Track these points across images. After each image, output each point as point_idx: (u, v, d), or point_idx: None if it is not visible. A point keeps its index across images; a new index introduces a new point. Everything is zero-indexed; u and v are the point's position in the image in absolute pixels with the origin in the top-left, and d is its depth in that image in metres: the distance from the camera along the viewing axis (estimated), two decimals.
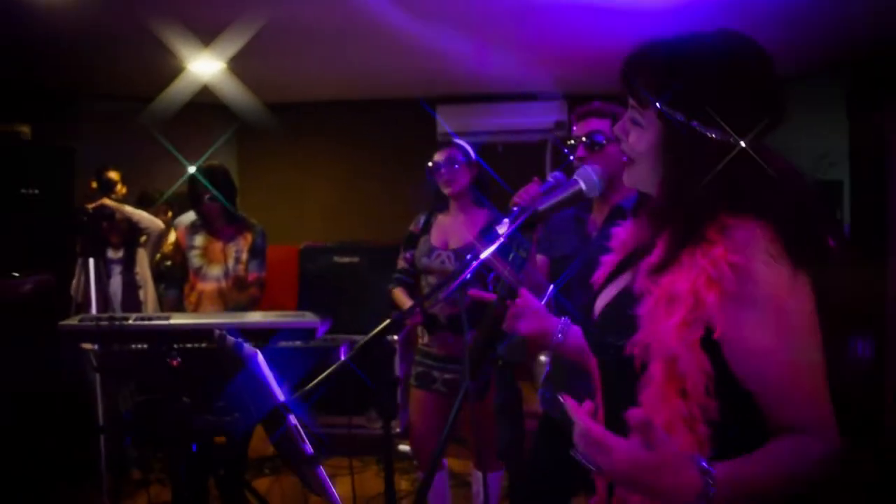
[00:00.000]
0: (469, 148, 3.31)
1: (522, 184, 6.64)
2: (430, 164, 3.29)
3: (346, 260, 5.01)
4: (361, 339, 4.35)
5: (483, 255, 1.37)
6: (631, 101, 1.29)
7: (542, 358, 6.09)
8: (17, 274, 3.06)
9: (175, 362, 0.89)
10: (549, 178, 2.32)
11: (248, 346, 0.92)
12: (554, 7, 4.14)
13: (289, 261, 5.38)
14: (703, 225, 1.17)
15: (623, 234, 1.44)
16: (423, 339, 3.40)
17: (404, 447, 4.85)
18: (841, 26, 4.26)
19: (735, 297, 1.11)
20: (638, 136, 1.28)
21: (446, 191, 3.26)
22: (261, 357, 0.92)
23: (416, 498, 1.19)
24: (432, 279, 3.31)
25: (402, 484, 4.37)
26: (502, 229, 1.30)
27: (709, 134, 1.19)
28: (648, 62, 1.26)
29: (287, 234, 6.41)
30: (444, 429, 3.33)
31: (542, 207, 1.33)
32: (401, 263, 3.49)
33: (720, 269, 1.12)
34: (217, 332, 1.02)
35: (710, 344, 1.13)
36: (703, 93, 1.20)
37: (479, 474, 3.41)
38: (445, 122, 6.35)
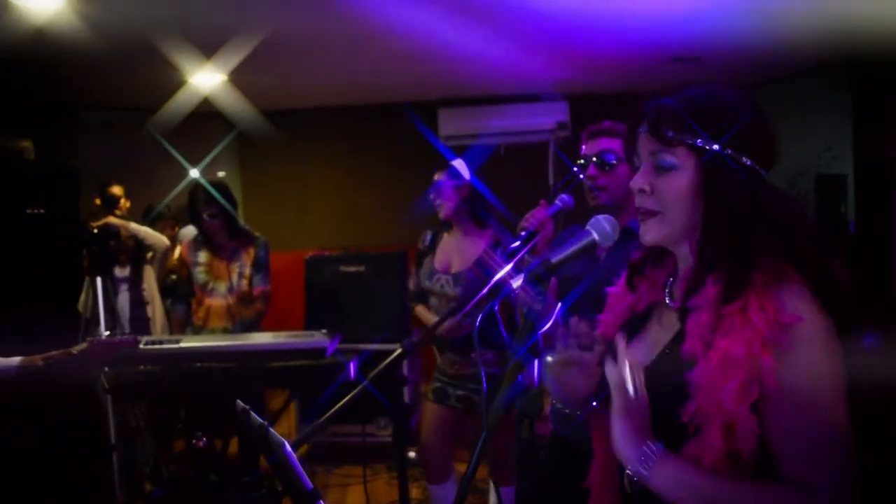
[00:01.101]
0: (463, 169, 3.30)
1: (525, 185, 6.66)
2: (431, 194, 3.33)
3: (351, 269, 5.00)
4: (369, 349, 4.39)
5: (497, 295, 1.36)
6: (651, 147, 1.26)
7: (550, 359, 6.12)
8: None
9: (200, 443, 0.89)
10: (557, 202, 2.33)
11: (274, 434, 0.92)
12: (556, 8, 4.13)
13: (294, 268, 5.38)
14: (754, 271, 1.17)
15: (636, 280, 1.42)
16: (438, 358, 3.45)
17: (413, 454, 4.87)
18: (846, 21, 4.24)
19: (785, 357, 1.12)
20: (671, 180, 1.24)
21: (441, 213, 3.30)
22: (288, 447, 0.91)
23: None
24: (434, 300, 3.33)
25: (413, 492, 4.39)
26: (517, 283, 1.30)
27: (745, 161, 1.21)
28: (667, 105, 1.26)
29: (291, 240, 6.44)
30: (452, 442, 3.37)
31: (554, 260, 1.32)
32: (412, 284, 3.51)
33: (774, 331, 1.12)
34: (240, 406, 1.02)
35: (757, 404, 1.13)
36: (730, 122, 1.22)
37: (493, 486, 3.43)
38: (447, 125, 6.34)
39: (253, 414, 0.99)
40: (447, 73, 5.62)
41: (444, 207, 3.26)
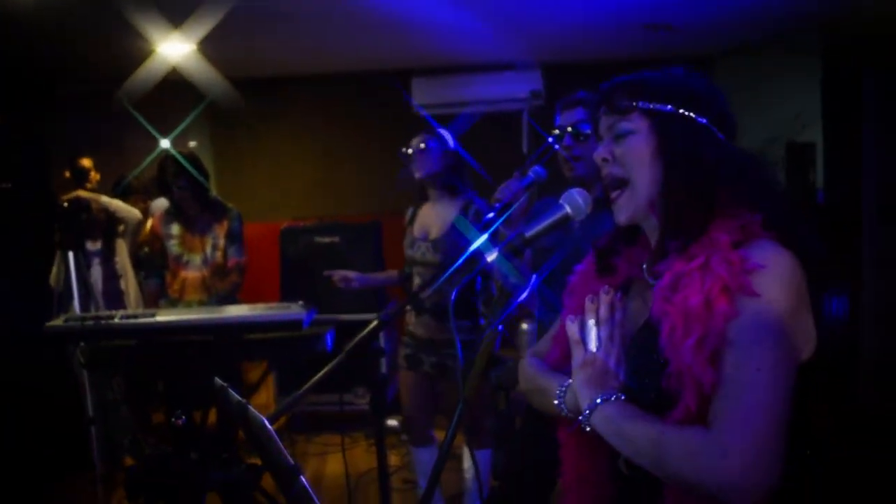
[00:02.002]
0: (449, 136, 3.30)
1: (499, 153, 6.65)
2: (404, 149, 3.29)
3: (326, 240, 5.01)
4: (344, 319, 4.40)
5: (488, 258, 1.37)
6: (609, 121, 1.31)
7: (525, 326, 6.17)
8: None
9: (180, 421, 0.89)
10: (530, 173, 2.34)
11: (253, 412, 0.93)
12: None
13: (268, 238, 5.37)
14: (714, 226, 1.18)
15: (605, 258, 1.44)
16: (411, 320, 3.46)
17: (392, 422, 4.92)
18: None
19: (742, 303, 1.11)
20: (629, 145, 1.27)
21: (417, 175, 3.26)
22: (268, 424, 0.93)
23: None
24: (419, 269, 3.34)
25: (392, 459, 4.44)
26: (492, 257, 1.32)
27: (699, 121, 1.24)
28: (620, 81, 1.31)
29: (265, 211, 6.40)
30: (432, 409, 3.41)
31: (528, 234, 1.34)
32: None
33: (738, 278, 1.11)
34: (218, 384, 1.03)
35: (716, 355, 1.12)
36: (681, 88, 1.26)
37: (468, 450, 3.49)
38: (421, 94, 6.29)
39: (231, 391, 1.01)
40: (420, 42, 5.58)
41: (425, 167, 3.23)
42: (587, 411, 1.21)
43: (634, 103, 1.26)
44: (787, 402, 1.09)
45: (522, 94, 6.23)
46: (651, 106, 1.25)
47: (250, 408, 0.96)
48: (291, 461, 0.92)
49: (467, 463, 3.53)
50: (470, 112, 6.27)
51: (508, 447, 1.16)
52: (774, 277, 1.12)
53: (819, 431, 1.27)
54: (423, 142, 3.25)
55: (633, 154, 1.27)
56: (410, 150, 3.26)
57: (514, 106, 6.39)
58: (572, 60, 6.33)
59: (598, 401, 1.20)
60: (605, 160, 1.32)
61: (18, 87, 5.53)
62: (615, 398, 1.20)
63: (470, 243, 1.73)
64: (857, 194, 5.02)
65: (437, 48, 5.80)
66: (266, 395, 5.12)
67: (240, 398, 1.01)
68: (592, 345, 1.25)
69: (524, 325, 6.16)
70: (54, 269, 4.08)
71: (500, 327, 1.31)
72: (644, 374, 1.22)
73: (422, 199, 3.40)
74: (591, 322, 1.25)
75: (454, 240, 3.20)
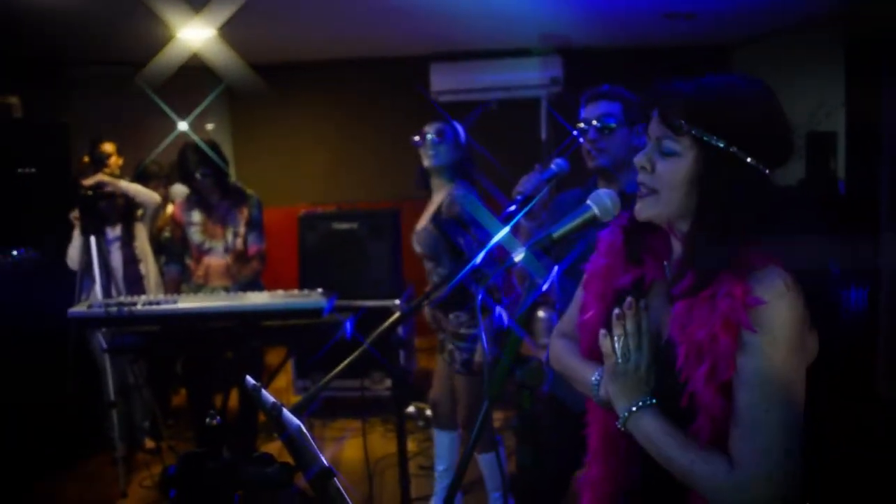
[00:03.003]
0: (461, 130, 3.29)
1: (518, 140, 6.61)
2: (417, 136, 3.27)
3: (344, 227, 5.02)
4: (363, 305, 4.42)
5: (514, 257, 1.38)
6: (658, 132, 1.28)
7: (541, 314, 6.18)
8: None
9: (214, 422, 0.91)
10: (552, 166, 2.34)
11: (288, 415, 0.94)
12: None
13: (286, 223, 5.39)
14: (735, 259, 1.21)
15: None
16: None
17: (409, 408, 4.95)
18: None
19: (745, 338, 1.17)
20: (671, 166, 1.26)
21: (426, 163, 3.24)
22: (303, 428, 0.94)
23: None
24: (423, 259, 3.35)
25: (410, 445, 4.48)
26: (519, 257, 1.32)
27: (747, 161, 1.22)
28: (681, 92, 1.27)
29: (283, 196, 6.43)
30: (451, 395, 3.42)
31: (556, 234, 1.34)
32: None
33: (737, 314, 1.17)
34: (252, 384, 1.04)
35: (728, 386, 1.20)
36: (740, 120, 1.23)
37: (480, 455, 3.50)
38: (439, 80, 6.27)
39: (265, 393, 1.02)
40: (439, 27, 5.56)
41: (437, 157, 3.20)
42: (623, 416, 1.30)
43: (689, 128, 1.24)
44: (797, 433, 1.17)
45: (542, 80, 6.20)
46: (704, 137, 1.23)
47: (285, 410, 0.97)
48: (326, 463, 0.93)
49: (481, 463, 3.54)
50: (479, 99, 6.27)
51: (533, 446, 1.18)
52: (776, 312, 1.17)
53: (824, 431, 1.32)
54: (439, 128, 3.24)
55: (673, 176, 1.27)
56: (421, 138, 3.25)
57: (533, 93, 6.36)
58: (592, 47, 6.29)
59: (633, 408, 1.28)
60: (643, 168, 1.31)
61: (39, 71, 5.56)
62: (648, 403, 1.28)
63: (449, 237, 1.73)
64: (877, 184, 4.96)
65: (456, 34, 5.78)
66: (284, 379, 5.17)
67: (275, 400, 1.03)
68: (623, 356, 1.29)
69: (541, 313, 6.18)
70: (69, 251, 4.11)
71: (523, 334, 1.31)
72: (666, 389, 1.28)
73: (425, 187, 3.38)
74: (619, 333, 1.29)
75: (432, 234, 3.18)
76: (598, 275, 1.51)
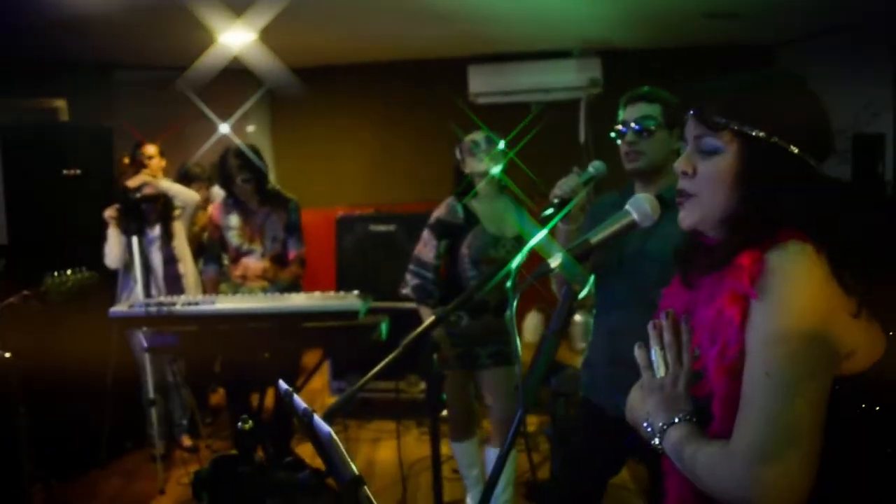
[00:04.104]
0: (502, 141, 3.31)
1: (556, 142, 6.56)
2: (463, 142, 3.30)
3: (382, 229, 5.04)
4: (399, 307, 4.43)
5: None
6: (697, 131, 1.25)
7: (578, 318, 6.14)
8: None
9: (247, 426, 0.91)
10: (590, 168, 2.32)
11: (319, 422, 0.93)
12: None
13: (324, 225, 5.43)
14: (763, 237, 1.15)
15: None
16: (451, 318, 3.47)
17: (444, 412, 4.95)
18: None
19: (753, 307, 1.10)
20: (713, 164, 1.22)
21: (468, 169, 3.30)
22: (333, 435, 0.93)
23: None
24: (490, 267, 3.33)
25: (443, 448, 4.46)
26: (556, 263, 1.30)
27: (790, 150, 1.17)
28: (716, 88, 1.24)
29: (321, 197, 6.47)
30: (470, 399, 3.41)
31: (594, 240, 1.32)
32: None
33: (743, 282, 1.11)
34: (284, 389, 1.05)
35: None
36: (778, 111, 1.20)
37: (491, 450, 3.48)
38: (477, 82, 6.26)
39: (297, 398, 1.02)
40: (477, 30, 5.55)
41: (491, 167, 3.25)
42: (658, 436, 1.23)
43: (728, 123, 1.20)
44: (811, 405, 1.06)
45: (580, 82, 6.15)
46: (744, 129, 1.19)
47: (316, 417, 0.97)
48: (356, 472, 0.93)
49: (489, 455, 3.52)
50: (526, 101, 6.24)
51: (567, 453, 1.16)
52: (784, 278, 1.09)
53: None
54: (486, 138, 3.26)
55: (716, 176, 1.22)
56: (473, 142, 3.28)
57: (572, 94, 6.32)
58: (632, 48, 6.23)
59: (665, 425, 1.21)
60: (684, 173, 1.27)
61: (84, 75, 5.68)
62: (681, 421, 1.20)
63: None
64: None
65: (494, 35, 5.77)
66: (320, 381, 5.20)
67: (306, 406, 1.03)
68: (661, 369, 1.26)
69: (577, 317, 6.15)
70: (106, 249, 4.17)
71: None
72: (693, 388, 1.22)
73: (464, 193, 3.39)
74: (657, 347, 1.26)
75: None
76: (664, 303, 1.47)
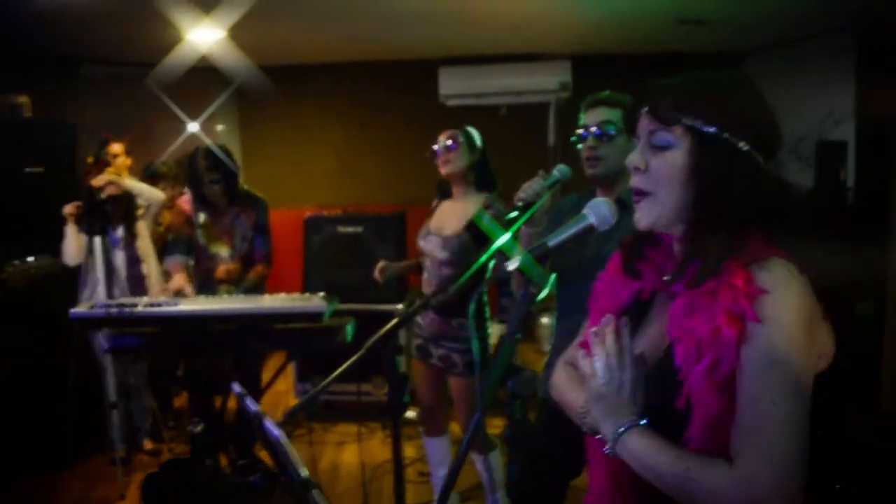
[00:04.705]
0: (476, 134, 3.30)
1: (526, 145, 6.59)
2: (434, 146, 3.29)
3: (350, 230, 5.02)
4: (366, 309, 4.41)
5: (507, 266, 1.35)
6: (650, 126, 1.27)
7: (545, 320, 6.17)
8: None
9: (198, 429, 0.90)
10: (555, 172, 2.32)
11: (269, 424, 0.93)
12: None
13: (293, 224, 5.39)
14: (737, 248, 1.17)
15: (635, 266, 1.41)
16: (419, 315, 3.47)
17: (410, 413, 4.93)
18: None
19: (748, 330, 1.12)
20: (665, 159, 1.25)
21: (443, 171, 3.27)
22: (284, 437, 0.93)
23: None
24: (427, 262, 3.34)
25: (408, 450, 4.46)
26: (513, 266, 1.30)
27: (740, 146, 1.20)
28: (668, 85, 1.27)
29: (290, 197, 6.43)
30: (443, 397, 3.42)
31: (552, 243, 1.32)
32: None
33: (739, 304, 1.12)
34: (237, 391, 1.03)
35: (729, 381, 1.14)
36: (729, 107, 1.23)
37: (480, 457, 3.49)
38: (448, 84, 6.26)
39: (249, 401, 1.01)
40: (448, 31, 5.55)
41: (451, 164, 3.23)
42: (610, 443, 1.23)
43: (680, 117, 1.23)
44: (804, 427, 1.10)
45: (550, 85, 6.17)
46: (696, 124, 1.22)
47: (266, 419, 0.96)
48: (305, 474, 0.92)
49: (479, 465, 3.53)
50: (496, 103, 6.26)
51: (525, 457, 1.16)
52: (780, 301, 1.12)
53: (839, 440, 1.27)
54: (452, 136, 3.25)
55: (668, 170, 1.25)
56: (437, 147, 3.26)
57: (542, 98, 6.34)
58: (603, 52, 6.26)
59: (620, 431, 1.22)
60: (636, 169, 1.29)
61: (49, 70, 5.57)
62: (634, 426, 1.21)
63: (480, 246, 1.73)
64: (888, 194, 4.92)
65: (466, 38, 5.77)
66: (285, 383, 5.16)
67: (257, 410, 1.02)
68: (604, 375, 1.25)
69: (544, 319, 6.17)
70: (65, 247, 4.11)
71: (517, 336, 1.29)
72: (663, 394, 1.22)
73: (445, 195, 3.40)
74: (600, 353, 1.26)
75: (464, 241, 3.18)
76: (600, 293, 1.49)
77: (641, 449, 1.19)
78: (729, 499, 1.09)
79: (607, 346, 1.26)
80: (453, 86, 6.27)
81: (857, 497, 3.56)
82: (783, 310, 1.12)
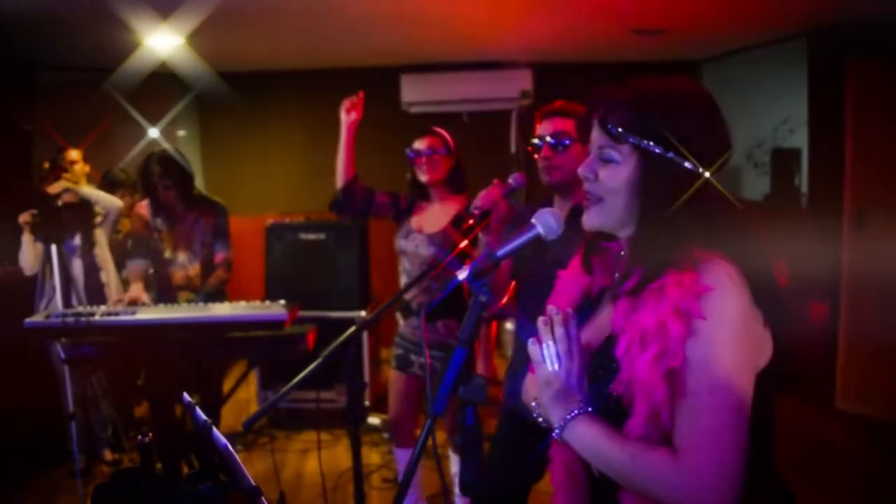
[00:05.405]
0: (448, 137, 3.34)
1: (488, 152, 6.60)
2: (409, 151, 3.31)
3: (312, 237, 5.01)
4: (329, 316, 4.40)
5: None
6: (600, 140, 1.32)
7: (509, 326, 6.20)
8: None
9: (147, 439, 0.90)
10: (511, 181, 2.35)
11: (217, 435, 0.94)
12: None
13: (255, 232, 5.36)
14: (679, 257, 1.22)
15: (584, 268, 1.48)
16: (400, 323, 3.49)
17: (374, 420, 4.94)
18: None
19: (695, 326, 1.17)
20: (612, 173, 1.30)
21: (424, 179, 3.29)
22: (230, 447, 0.94)
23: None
24: (407, 263, 3.35)
25: (373, 457, 4.46)
26: (462, 275, 1.33)
27: (685, 165, 1.25)
28: (620, 99, 1.31)
29: (252, 205, 6.40)
30: (417, 409, 3.41)
31: (500, 254, 1.36)
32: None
33: (686, 301, 1.17)
34: (186, 401, 1.04)
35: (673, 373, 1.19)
36: (676, 126, 1.26)
37: (455, 456, 3.51)
38: (410, 91, 6.28)
39: (198, 411, 1.02)
40: (410, 39, 5.58)
41: (435, 172, 3.27)
42: (558, 429, 1.28)
43: (627, 135, 1.27)
44: (743, 419, 1.16)
45: (512, 93, 6.24)
46: (642, 144, 1.26)
47: (214, 430, 0.97)
48: (252, 483, 0.93)
49: (455, 467, 3.55)
50: (458, 111, 6.30)
51: (476, 463, 1.18)
52: (723, 299, 1.17)
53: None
54: (431, 144, 3.28)
55: (615, 183, 1.30)
56: (419, 152, 3.29)
57: (504, 105, 6.40)
58: (563, 61, 6.34)
59: (567, 417, 1.27)
60: (587, 178, 1.35)
61: (4, 77, 5.48)
62: (581, 412, 1.27)
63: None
64: (840, 199, 5.05)
65: (427, 46, 5.80)
66: (247, 391, 5.13)
67: (206, 419, 1.03)
68: (553, 363, 1.30)
69: (508, 325, 6.21)
70: (21, 255, 4.05)
71: (466, 347, 1.32)
72: (600, 381, 1.29)
73: (422, 197, 3.41)
74: (549, 341, 1.31)
75: (451, 236, 3.21)
76: (559, 290, 1.56)
77: (589, 435, 1.25)
78: (670, 485, 1.14)
79: (556, 335, 1.31)
80: (415, 93, 6.30)
81: (815, 496, 3.66)
82: (724, 308, 1.17)
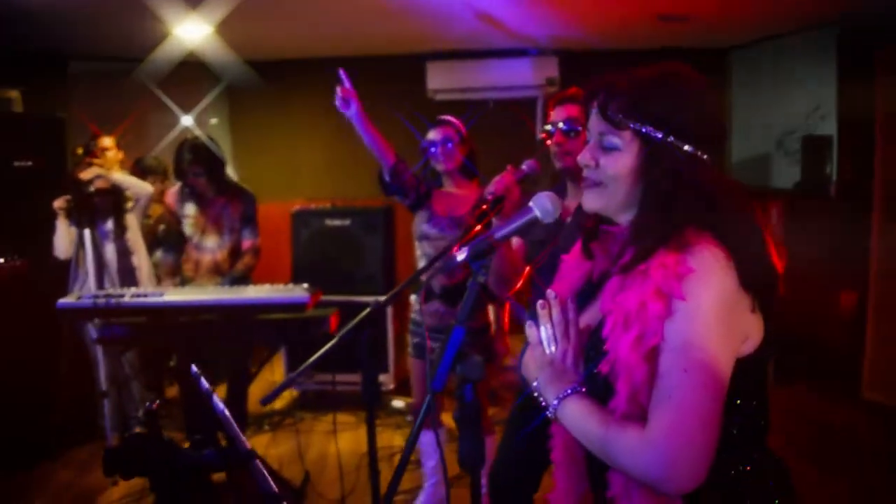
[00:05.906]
0: (461, 125, 3.37)
1: (514, 140, 6.62)
2: (423, 142, 3.37)
3: (337, 223, 5.08)
4: (353, 300, 4.46)
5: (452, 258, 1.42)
6: (600, 127, 1.35)
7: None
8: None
9: (155, 405, 0.96)
10: (523, 167, 2.38)
11: (216, 400, 1.00)
12: None
13: (281, 218, 5.45)
14: (671, 238, 1.24)
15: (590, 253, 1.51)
16: (415, 308, 3.52)
17: (398, 403, 5.01)
18: None
19: (675, 306, 1.19)
20: (614, 159, 1.33)
21: (440, 168, 3.35)
22: (226, 412, 1.00)
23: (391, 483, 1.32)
24: (429, 247, 3.39)
25: (396, 439, 4.53)
26: (461, 256, 1.38)
27: (685, 149, 1.28)
28: (620, 87, 1.32)
29: (279, 191, 6.49)
30: (441, 397, 3.47)
31: (498, 236, 1.40)
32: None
33: (668, 282, 1.20)
34: (194, 371, 1.10)
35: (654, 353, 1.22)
36: (676, 111, 1.29)
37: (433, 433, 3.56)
38: (435, 78, 6.31)
39: (202, 380, 1.08)
40: (436, 27, 5.60)
41: (450, 161, 3.33)
42: (552, 407, 1.33)
43: (628, 122, 1.30)
44: (716, 400, 1.18)
45: (538, 81, 6.23)
46: (643, 129, 1.29)
47: (215, 396, 1.03)
48: (247, 447, 0.99)
49: (429, 443, 3.59)
50: (484, 98, 6.31)
51: (477, 433, 1.21)
52: (704, 281, 1.19)
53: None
54: (445, 135, 3.33)
55: (616, 169, 1.33)
56: (433, 142, 3.34)
57: (529, 93, 6.40)
58: (589, 48, 6.31)
59: (561, 396, 1.31)
60: (587, 165, 1.37)
61: (40, 65, 5.62)
62: (574, 392, 1.31)
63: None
64: (870, 186, 4.98)
65: (453, 33, 5.81)
66: (277, 373, 5.23)
67: (208, 387, 1.09)
68: (551, 345, 1.34)
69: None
70: (56, 240, 4.16)
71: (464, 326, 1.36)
72: (591, 362, 1.32)
73: (437, 185, 3.46)
74: (547, 324, 1.34)
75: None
76: (562, 274, 1.58)
77: (576, 413, 1.29)
78: (638, 459, 1.17)
79: (553, 318, 1.35)
80: (441, 81, 6.33)
81: (838, 486, 3.65)
82: (705, 291, 1.19)
